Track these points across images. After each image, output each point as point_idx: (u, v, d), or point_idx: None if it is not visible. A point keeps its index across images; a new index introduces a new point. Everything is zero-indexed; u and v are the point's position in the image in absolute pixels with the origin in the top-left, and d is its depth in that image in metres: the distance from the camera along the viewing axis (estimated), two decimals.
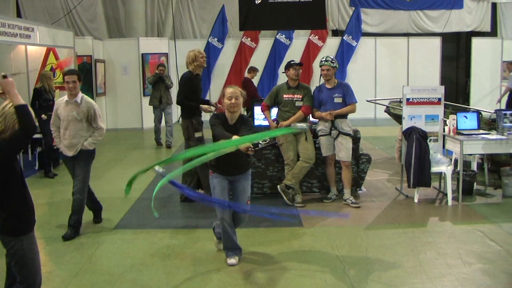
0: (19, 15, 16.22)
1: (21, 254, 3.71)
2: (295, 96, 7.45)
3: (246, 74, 14.11)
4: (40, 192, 8.44)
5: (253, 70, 14.05)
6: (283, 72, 7.88)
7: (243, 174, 5.41)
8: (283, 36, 17.91)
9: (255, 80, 14.34)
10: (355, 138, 7.72)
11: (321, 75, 7.46)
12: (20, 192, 3.70)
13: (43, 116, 9.39)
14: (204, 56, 7.48)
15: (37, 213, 3.88)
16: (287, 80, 7.54)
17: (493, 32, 19.70)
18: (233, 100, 5.24)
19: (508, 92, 14.96)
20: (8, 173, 3.62)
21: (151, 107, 12.73)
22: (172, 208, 7.41)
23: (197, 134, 7.41)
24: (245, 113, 8.48)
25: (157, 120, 12.81)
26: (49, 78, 9.98)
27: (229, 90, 5.32)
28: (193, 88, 7.41)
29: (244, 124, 5.32)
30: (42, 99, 9.71)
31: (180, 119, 8.63)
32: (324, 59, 7.41)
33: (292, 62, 7.54)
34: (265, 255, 5.57)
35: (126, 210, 7.31)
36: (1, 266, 5.19)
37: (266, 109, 7.66)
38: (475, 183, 7.97)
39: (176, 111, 15.26)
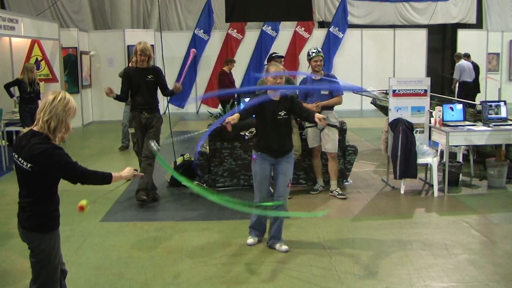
0: (3, 6, 16.01)
1: (47, 252, 3.49)
2: None
3: (224, 67, 13.91)
4: None
5: (230, 62, 13.89)
6: (265, 65, 7.83)
7: (286, 156, 5.40)
8: (269, 27, 17.85)
9: (240, 72, 14.20)
10: (342, 130, 7.74)
11: (309, 66, 7.44)
12: (52, 190, 3.54)
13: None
14: (141, 52, 6.98)
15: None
16: None
17: (478, 24, 19.78)
18: (278, 80, 5.27)
19: (457, 83, 15.33)
20: (47, 180, 3.46)
21: None
22: (157, 201, 7.36)
23: (131, 130, 7.27)
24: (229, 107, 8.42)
25: None
26: (30, 70, 10.09)
27: (272, 69, 5.40)
28: (124, 82, 7.22)
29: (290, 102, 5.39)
30: (23, 90, 9.85)
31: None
32: (315, 50, 7.36)
33: (273, 55, 7.51)
34: (252, 247, 5.57)
35: (112, 203, 7.26)
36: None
37: None
38: (460, 174, 8.03)
39: (163, 104, 15.13)
